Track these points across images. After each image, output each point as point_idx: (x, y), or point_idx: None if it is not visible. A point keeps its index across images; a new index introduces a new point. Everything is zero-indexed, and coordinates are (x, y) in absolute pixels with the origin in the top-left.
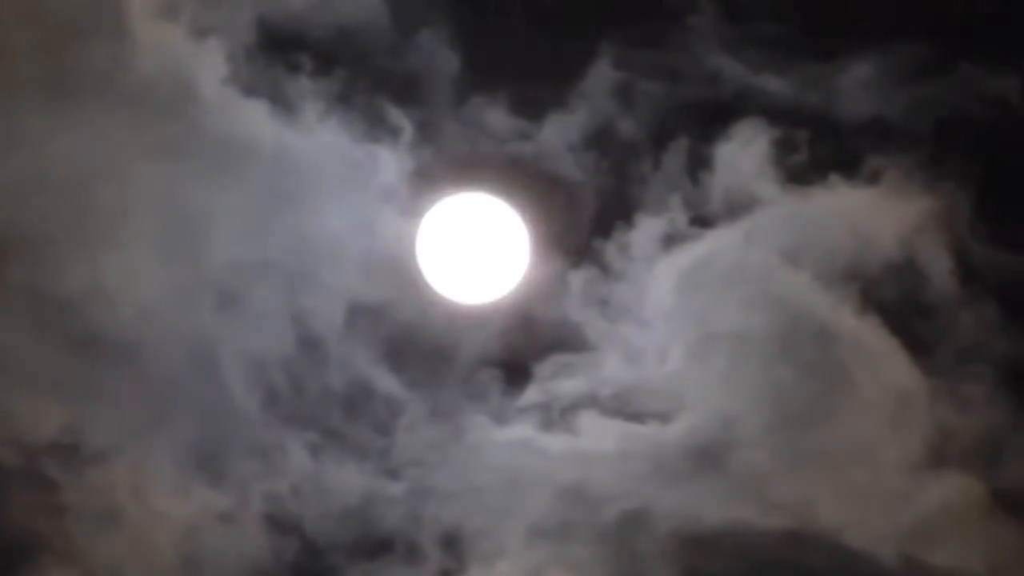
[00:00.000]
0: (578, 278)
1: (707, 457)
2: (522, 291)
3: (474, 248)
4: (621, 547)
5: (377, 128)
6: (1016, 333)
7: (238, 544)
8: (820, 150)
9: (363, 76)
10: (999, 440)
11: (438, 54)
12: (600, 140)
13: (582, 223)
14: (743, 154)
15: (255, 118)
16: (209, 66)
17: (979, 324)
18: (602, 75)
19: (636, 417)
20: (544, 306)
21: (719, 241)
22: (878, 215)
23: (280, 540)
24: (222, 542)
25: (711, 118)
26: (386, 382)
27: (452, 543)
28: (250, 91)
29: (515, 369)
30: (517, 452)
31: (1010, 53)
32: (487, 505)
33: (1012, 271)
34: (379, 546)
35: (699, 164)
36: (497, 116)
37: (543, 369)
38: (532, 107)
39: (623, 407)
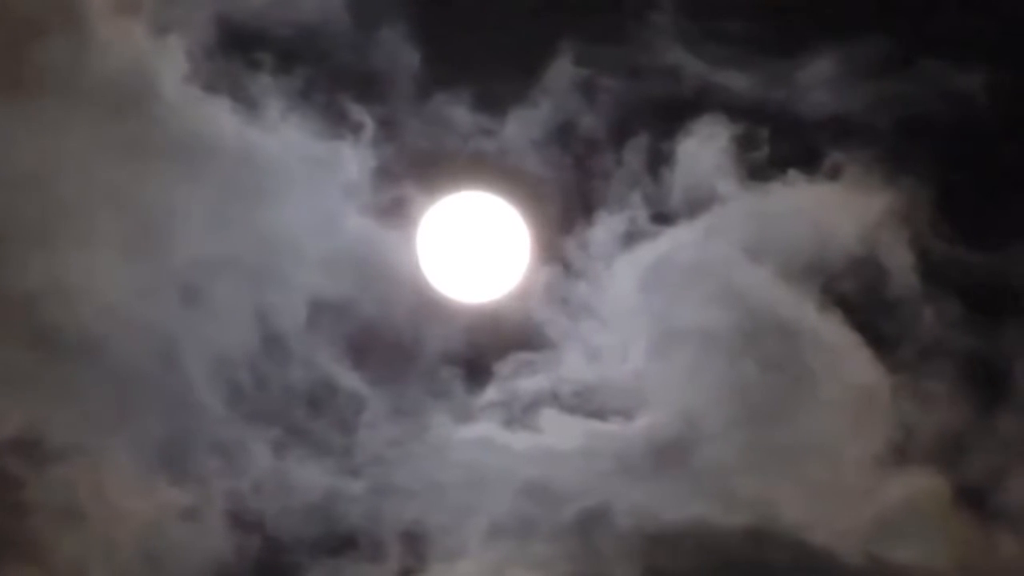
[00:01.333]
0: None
1: (669, 454)
2: (519, 291)
3: (473, 247)
4: (583, 545)
5: (339, 125)
6: (977, 329)
7: (201, 541)
8: (781, 146)
9: (324, 73)
10: (962, 436)
11: (399, 51)
12: (561, 137)
13: (545, 220)
14: (704, 151)
15: (217, 115)
16: (170, 63)
17: (941, 320)
18: (563, 72)
19: (598, 415)
20: (527, 306)
21: (680, 238)
22: (839, 211)
23: (243, 537)
24: (185, 539)
25: (672, 115)
26: (349, 379)
27: (414, 540)
28: (211, 88)
29: (477, 367)
30: (479, 450)
31: (972, 49)
32: (449, 503)
33: (973, 267)
34: (342, 543)
35: (660, 160)
36: (460, 112)
37: (505, 367)
38: (494, 104)
39: (585, 405)
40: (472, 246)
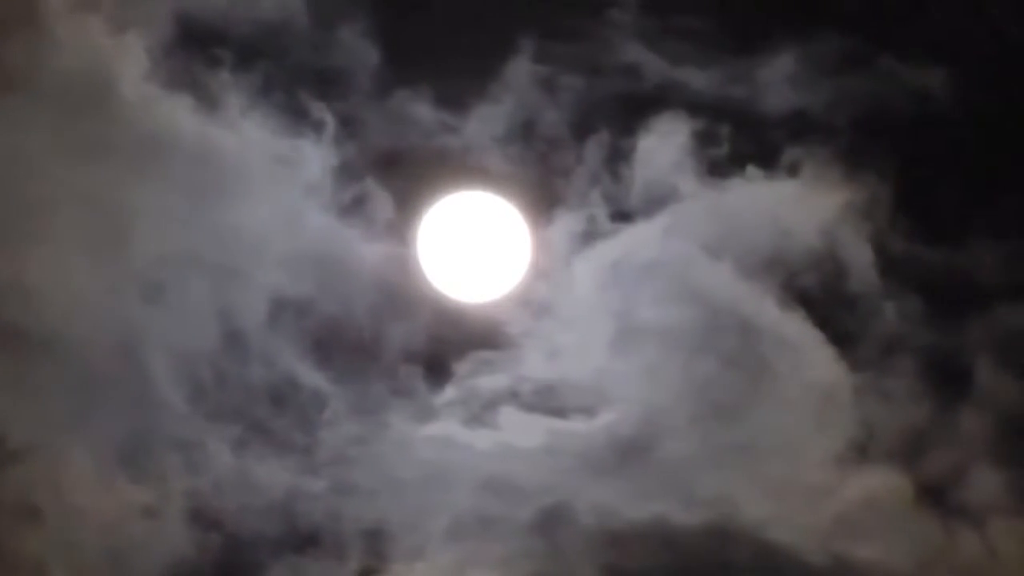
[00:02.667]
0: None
1: (630, 452)
2: (519, 289)
3: (473, 246)
4: (544, 543)
5: (300, 123)
6: (938, 325)
7: (162, 539)
8: (740, 143)
9: (285, 71)
10: (923, 433)
11: (359, 49)
12: (520, 135)
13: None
14: (664, 148)
15: (177, 113)
16: (130, 61)
17: (901, 316)
18: (522, 70)
19: (559, 412)
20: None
21: (639, 235)
22: (799, 208)
23: (204, 535)
24: (146, 537)
25: (632, 112)
26: (310, 377)
27: (375, 539)
28: (172, 86)
29: (438, 365)
30: (441, 448)
31: (931, 47)
32: (410, 501)
33: (933, 263)
34: (303, 541)
35: (620, 158)
36: (422, 109)
37: (466, 365)
38: (455, 101)
39: (545, 403)
40: (470, 246)
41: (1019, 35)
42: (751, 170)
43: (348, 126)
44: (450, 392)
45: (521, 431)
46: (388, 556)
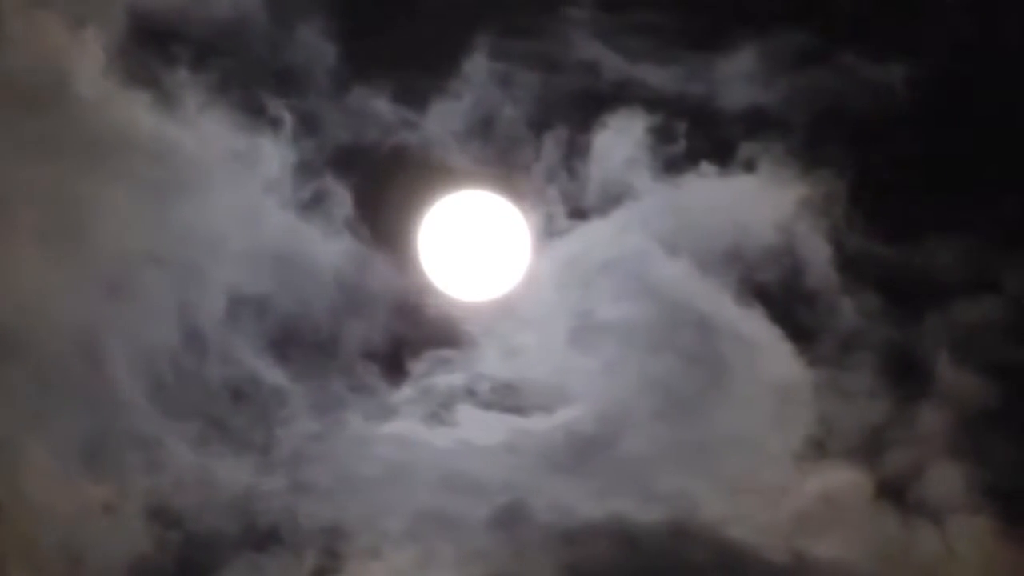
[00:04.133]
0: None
1: (588, 450)
2: (520, 287)
3: (474, 245)
4: (501, 541)
5: (258, 120)
6: (896, 321)
7: (121, 536)
8: (698, 139)
9: (242, 68)
10: (882, 430)
11: (317, 46)
12: (476, 132)
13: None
14: (621, 145)
15: (134, 110)
16: (86, 58)
17: (859, 312)
18: (478, 67)
19: (518, 410)
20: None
21: (597, 231)
22: (756, 204)
23: (163, 532)
24: (105, 535)
25: (589, 109)
26: (270, 375)
27: (334, 536)
28: (129, 83)
29: (397, 363)
30: (399, 446)
31: (890, 43)
32: (368, 499)
33: (890, 260)
34: (262, 539)
35: (577, 155)
36: (380, 106)
37: (424, 363)
38: (412, 98)
39: (503, 400)
40: (471, 244)
41: (976, 32)
42: (708, 166)
43: (306, 123)
44: (409, 390)
45: (479, 429)
46: (347, 552)
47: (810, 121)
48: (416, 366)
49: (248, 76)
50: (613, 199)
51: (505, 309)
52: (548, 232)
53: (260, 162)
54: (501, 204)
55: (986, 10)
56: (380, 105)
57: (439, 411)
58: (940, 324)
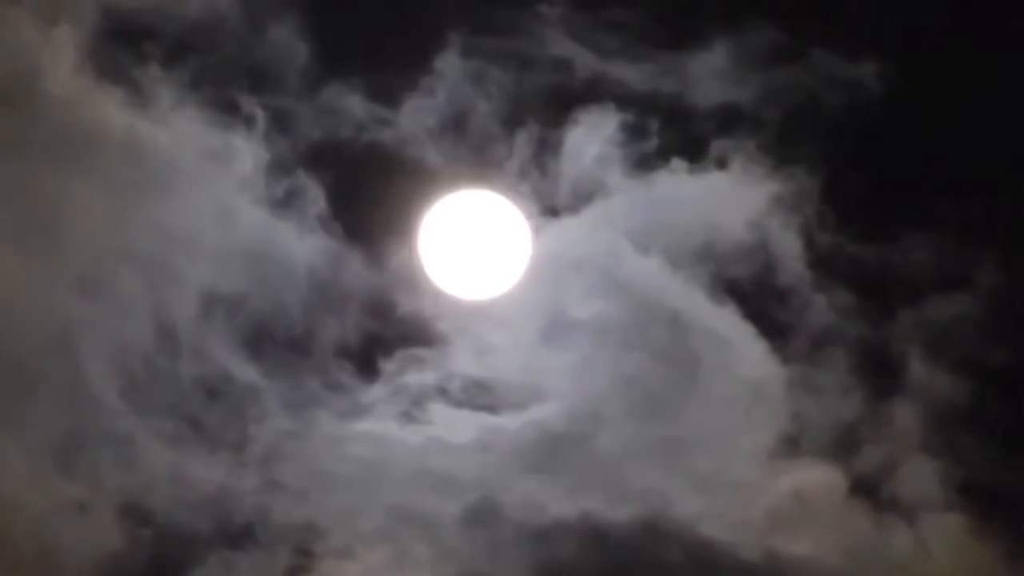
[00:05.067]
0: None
1: (560, 447)
2: (521, 286)
3: (475, 244)
4: (474, 539)
5: (231, 117)
6: (868, 319)
7: (94, 534)
8: (670, 136)
9: (215, 66)
10: (855, 427)
11: (289, 44)
12: (446, 130)
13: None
14: (593, 142)
15: (107, 108)
16: (58, 55)
17: (831, 310)
18: (451, 64)
19: (490, 408)
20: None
21: (568, 228)
22: (728, 200)
23: (135, 530)
24: (77, 533)
25: (562, 107)
26: (243, 373)
27: (307, 534)
28: (101, 80)
29: (370, 361)
30: (371, 444)
31: (862, 41)
32: (341, 498)
33: (861, 256)
34: (235, 537)
35: (549, 152)
36: (354, 103)
37: (397, 362)
38: (385, 96)
39: (476, 398)
40: (471, 244)
41: (949, 30)
42: (680, 163)
43: (280, 121)
44: (382, 388)
45: (451, 427)
46: (319, 552)
47: (782, 118)
48: (389, 364)
49: (221, 74)
50: (585, 196)
51: (479, 307)
52: (520, 227)
53: (233, 160)
54: (476, 201)
55: (958, 8)
56: (353, 102)
57: (412, 409)
58: (913, 321)
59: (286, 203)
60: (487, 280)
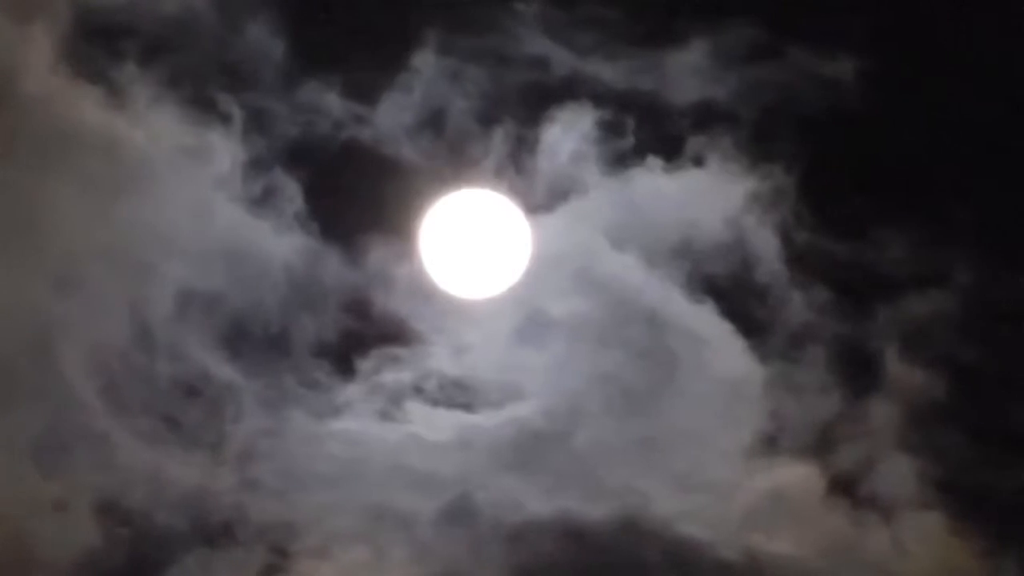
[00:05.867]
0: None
1: (538, 446)
2: (522, 285)
3: (476, 243)
4: (451, 539)
5: (208, 115)
6: (845, 316)
7: (71, 533)
8: (647, 134)
9: (191, 63)
10: (833, 425)
11: (265, 41)
12: (421, 130)
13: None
14: (570, 139)
15: (83, 106)
16: (34, 53)
17: (809, 307)
18: (426, 62)
19: (467, 406)
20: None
21: (545, 226)
22: (705, 198)
23: (113, 529)
24: (55, 531)
25: (538, 105)
26: (221, 371)
27: (283, 535)
28: (77, 78)
29: (347, 359)
30: (348, 443)
31: (840, 38)
32: (318, 497)
33: (839, 253)
34: (212, 536)
35: (525, 150)
36: (331, 101)
37: (373, 361)
38: (361, 94)
39: (453, 397)
40: (472, 242)
41: (927, 27)
42: (657, 161)
43: (256, 119)
44: (358, 387)
45: (429, 426)
46: (296, 551)
47: (760, 116)
48: (366, 362)
49: (198, 72)
50: (561, 194)
51: (457, 304)
52: (496, 225)
53: (210, 158)
54: (456, 198)
55: (936, 5)
56: (330, 100)
57: (389, 408)
58: (891, 319)
59: (263, 201)
60: (466, 278)
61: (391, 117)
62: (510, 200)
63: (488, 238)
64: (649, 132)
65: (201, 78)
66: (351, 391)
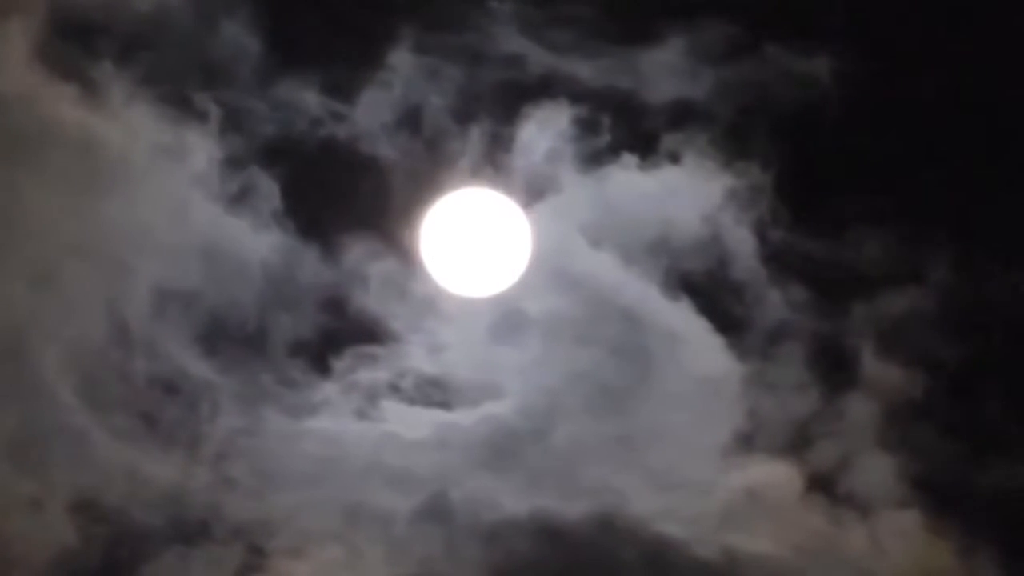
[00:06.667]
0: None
1: (514, 444)
2: (522, 284)
3: (476, 242)
4: (427, 537)
5: (184, 113)
6: (822, 314)
7: (47, 531)
8: (623, 131)
9: (168, 61)
10: (810, 422)
11: (241, 39)
12: (398, 127)
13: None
14: (546, 137)
15: (60, 103)
16: (10, 51)
17: (785, 305)
18: (402, 60)
19: (443, 404)
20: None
21: (522, 224)
22: (681, 195)
23: (89, 526)
24: (31, 529)
25: (514, 103)
26: (197, 369)
27: (258, 534)
28: (54, 76)
29: (323, 357)
30: (325, 441)
31: (816, 35)
32: (294, 495)
33: (815, 251)
34: (188, 533)
35: (501, 148)
36: (308, 98)
37: (349, 359)
38: (338, 92)
39: (429, 395)
40: (473, 241)
41: (903, 25)
42: (633, 158)
43: (233, 116)
44: (334, 386)
45: (405, 424)
46: (272, 550)
47: (736, 114)
48: (342, 360)
49: (174, 69)
50: (537, 192)
51: (430, 304)
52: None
53: (187, 156)
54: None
55: (912, 3)
56: (306, 98)
57: (365, 406)
58: (867, 316)
59: (240, 199)
60: (442, 276)
61: (369, 115)
62: (490, 197)
63: (472, 236)
64: (625, 130)
65: (177, 76)
66: (327, 389)
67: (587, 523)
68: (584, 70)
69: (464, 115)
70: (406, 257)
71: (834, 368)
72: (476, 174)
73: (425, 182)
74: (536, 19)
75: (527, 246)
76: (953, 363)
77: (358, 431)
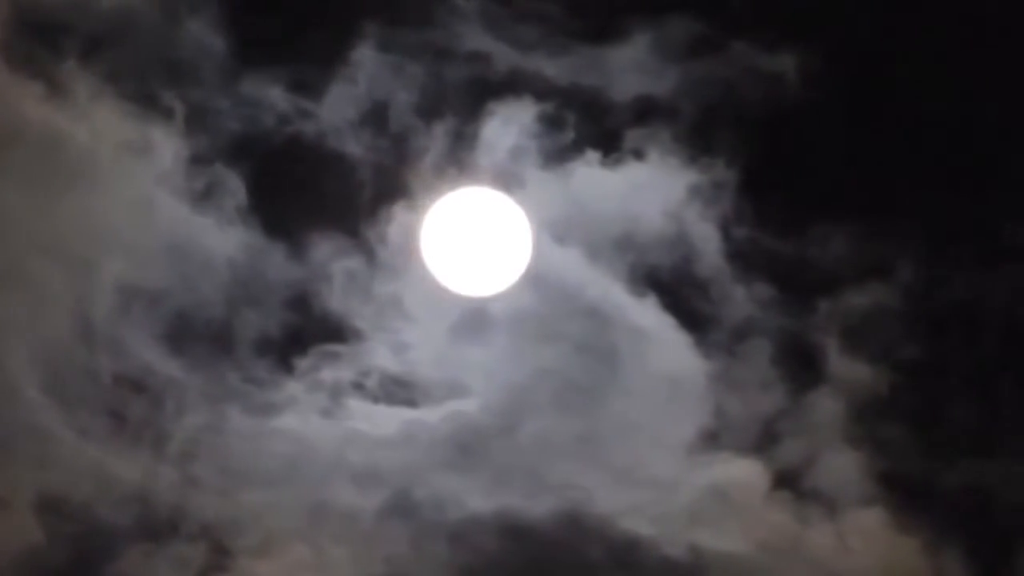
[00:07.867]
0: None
1: (478, 441)
2: (523, 283)
3: (478, 241)
4: (392, 536)
5: (150, 111)
6: (787, 310)
7: (12, 529)
8: (587, 128)
9: (133, 59)
10: (776, 420)
11: (207, 36)
12: (364, 124)
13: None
14: (510, 134)
15: (24, 101)
16: None
17: (751, 301)
18: (366, 57)
19: (408, 403)
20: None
21: (487, 221)
22: (646, 192)
23: (55, 525)
24: None
25: (478, 100)
26: (163, 367)
27: (224, 533)
28: (18, 74)
29: (289, 355)
30: (290, 439)
31: (782, 32)
32: (260, 494)
33: (780, 247)
34: (154, 533)
35: (465, 145)
36: (274, 95)
37: (313, 357)
38: (303, 89)
39: (394, 393)
40: (474, 240)
41: (869, 22)
42: (597, 155)
43: (198, 114)
44: (300, 383)
45: (370, 423)
46: (237, 549)
47: (701, 110)
48: (307, 359)
49: (138, 67)
50: (501, 188)
51: (395, 301)
52: (437, 221)
53: (152, 153)
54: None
55: (877, 1)
56: (272, 95)
57: (330, 404)
58: (832, 313)
59: (206, 196)
60: (407, 274)
61: (334, 112)
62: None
63: (438, 233)
64: (590, 126)
65: (142, 73)
66: (292, 387)
67: (553, 521)
68: (549, 67)
69: (429, 112)
70: (372, 255)
71: (800, 365)
72: (441, 171)
73: (391, 179)
74: (501, 16)
75: (493, 244)
76: (919, 360)
77: (323, 429)
